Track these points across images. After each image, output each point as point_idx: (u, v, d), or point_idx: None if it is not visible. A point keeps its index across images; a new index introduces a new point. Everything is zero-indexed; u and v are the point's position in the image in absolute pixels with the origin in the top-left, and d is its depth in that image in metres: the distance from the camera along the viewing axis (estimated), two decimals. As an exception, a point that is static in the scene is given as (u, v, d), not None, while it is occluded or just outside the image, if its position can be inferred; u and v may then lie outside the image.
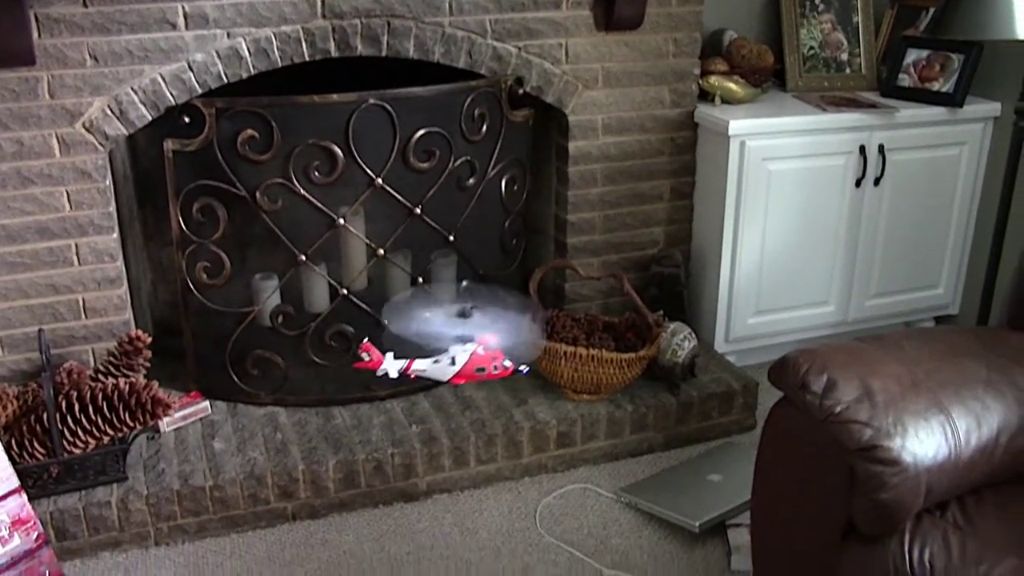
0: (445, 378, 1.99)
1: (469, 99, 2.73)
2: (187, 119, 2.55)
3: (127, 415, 2.43)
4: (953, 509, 1.82)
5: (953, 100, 3.22)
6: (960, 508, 1.83)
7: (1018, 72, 2.78)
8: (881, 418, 1.74)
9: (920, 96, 3.27)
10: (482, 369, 1.96)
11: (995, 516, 1.81)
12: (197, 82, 2.56)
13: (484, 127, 2.79)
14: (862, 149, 3.11)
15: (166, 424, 2.67)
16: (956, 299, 3.55)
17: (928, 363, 1.91)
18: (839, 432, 1.73)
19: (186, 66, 2.53)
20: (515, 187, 2.96)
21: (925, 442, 1.76)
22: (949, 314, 3.58)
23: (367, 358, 2.01)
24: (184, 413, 2.71)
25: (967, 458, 1.81)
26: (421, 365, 1.99)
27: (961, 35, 2.48)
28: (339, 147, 2.60)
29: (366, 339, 2.07)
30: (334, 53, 2.66)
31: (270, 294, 2.76)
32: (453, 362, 1.97)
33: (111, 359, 2.62)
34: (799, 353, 1.85)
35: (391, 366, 2.00)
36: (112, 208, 2.63)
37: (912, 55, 3.34)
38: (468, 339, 1.97)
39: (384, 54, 2.71)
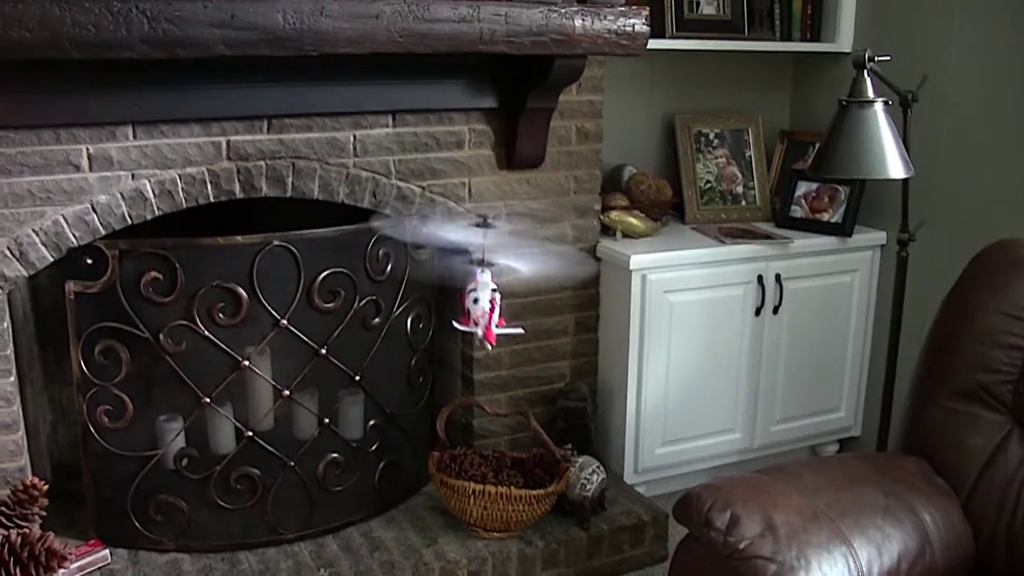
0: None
1: (373, 239, 2.82)
2: (90, 261, 2.59)
3: (18, 570, 2.39)
4: (858, 640, 1.90)
5: (842, 230, 3.43)
6: (864, 638, 1.91)
7: (897, 204, 2.98)
8: (784, 552, 1.83)
9: (812, 226, 3.47)
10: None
11: (898, 645, 1.90)
12: (100, 224, 2.58)
13: (389, 266, 2.87)
14: (760, 279, 3.28)
15: (63, 577, 2.62)
16: (858, 421, 3.70)
17: (828, 493, 2.02)
18: (744, 568, 1.82)
19: (89, 208, 2.55)
20: (421, 325, 3.04)
21: (829, 575, 1.85)
22: (852, 436, 3.73)
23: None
24: (82, 563, 2.68)
25: (870, 588, 1.91)
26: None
27: (839, 174, 2.68)
28: (243, 288, 2.66)
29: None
30: (239, 194, 2.72)
31: (174, 437, 2.77)
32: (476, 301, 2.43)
33: (3, 509, 2.57)
34: (702, 489, 1.95)
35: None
36: (9, 351, 2.62)
37: (802, 187, 3.56)
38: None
39: (289, 195, 2.78)
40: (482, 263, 2.45)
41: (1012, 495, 2.08)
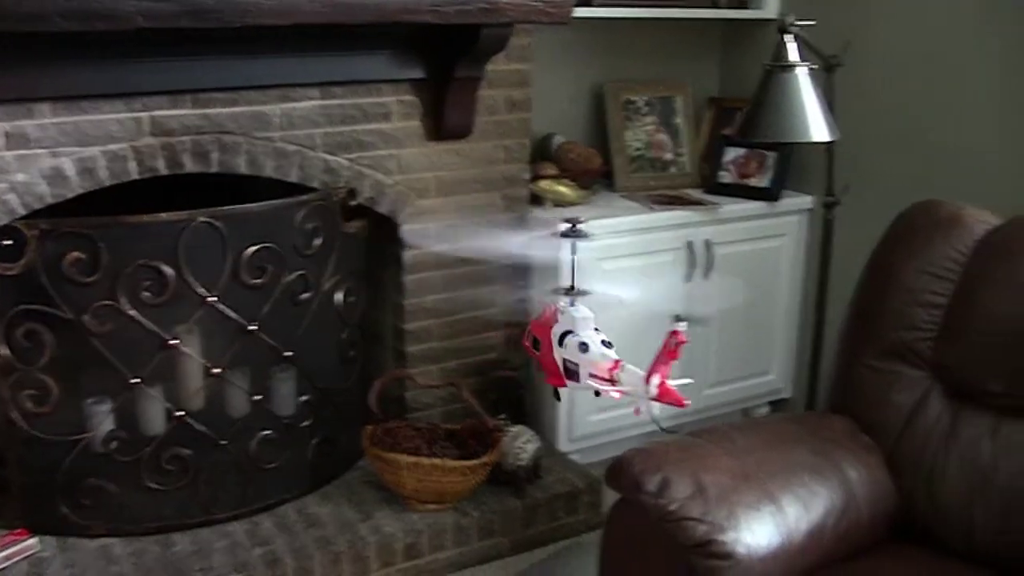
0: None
1: (301, 213, 2.82)
2: (9, 242, 2.55)
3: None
4: (787, 595, 1.97)
5: (770, 194, 3.49)
6: (794, 593, 1.97)
7: (823, 168, 3.04)
8: (715, 513, 1.88)
9: (740, 192, 3.53)
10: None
11: (825, 599, 1.97)
12: (20, 203, 2.55)
13: (317, 240, 2.88)
14: (690, 245, 3.32)
15: (-11, 566, 2.61)
16: (788, 383, 3.79)
17: (757, 454, 2.08)
18: (675, 530, 1.87)
19: (7, 187, 2.52)
20: (352, 299, 3.04)
21: (758, 533, 1.91)
22: (784, 398, 3.81)
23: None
24: (8, 552, 2.65)
25: (798, 544, 1.97)
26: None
27: (764, 137, 2.74)
28: (169, 266, 2.64)
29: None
30: (163, 171, 2.70)
31: (102, 419, 2.76)
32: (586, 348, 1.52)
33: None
34: (633, 453, 1.99)
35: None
36: (-72, 337, 2.60)
37: (731, 153, 3.62)
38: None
39: (215, 170, 2.77)
40: (572, 291, 1.62)
41: (932, 448, 2.16)
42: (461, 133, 3.09)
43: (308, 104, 2.86)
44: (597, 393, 1.51)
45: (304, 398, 2.98)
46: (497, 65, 3.06)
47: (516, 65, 3.15)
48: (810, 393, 3.25)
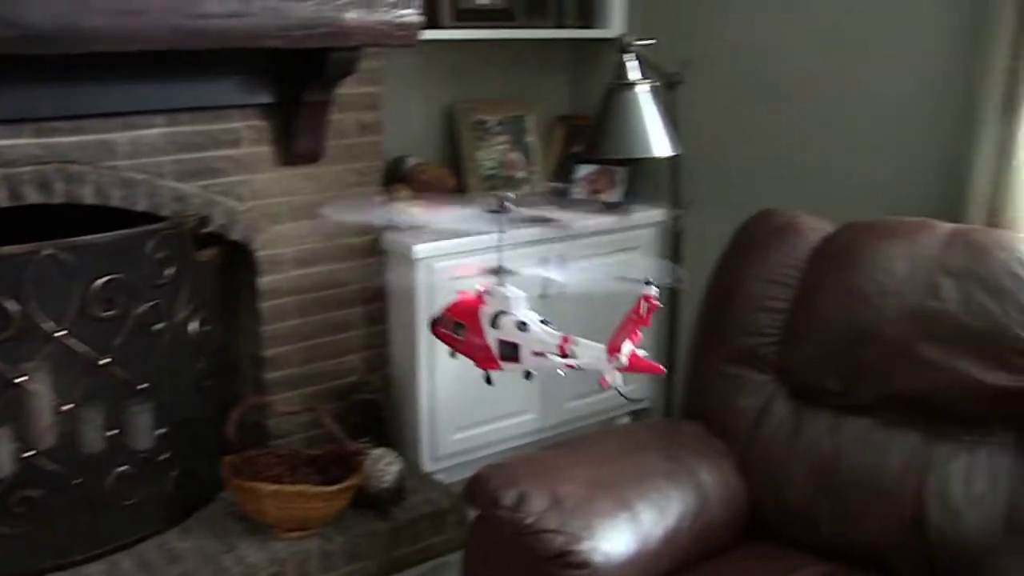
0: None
1: (152, 243, 2.79)
2: None
3: None
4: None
5: (621, 208, 3.59)
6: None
7: (671, 182, 3.15)
8: (571, 524, 1.94)
9: (593, 207, 3.62)
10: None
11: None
12: None
13: (169, 270, 2.84)
14: (545, 261, 3.38)
15: None
16: (648, 393, 3.87)
17: (612, 463, 2.15)
18: (533, 543, 1.92)
19: None
20: (207, 328, 3.01)
21: (614, 540, 1.97)
22: (644, 407, 3.89)
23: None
24: None
25: (655, 549, 2.05)
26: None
27: (608, 155, 2.82)
28: (15, 301, 2.57)
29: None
30: (5, 203, 2.64)
31: (-55, 464, 2.67)
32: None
33: None
34: (489, 469, 2.04)
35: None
36: None
37: (582, 170, 3.70)
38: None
39: (60, 201, 2.71)
40: (500, 271, 1.57)
41: (778, 449, 2.27)
42: (312, 157, 3.10)
43: (155, 131, 2.83)
44: (528, 375, 1.48)
45: (161, 431, 2.93)
46: (347, 88, 3.07)
47: (366, 88, 3.17)
48: (667, 401, 3.34)
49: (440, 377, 3.29)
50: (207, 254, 2.98)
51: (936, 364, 2.15)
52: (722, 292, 2.40)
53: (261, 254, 3.09)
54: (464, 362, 3.05)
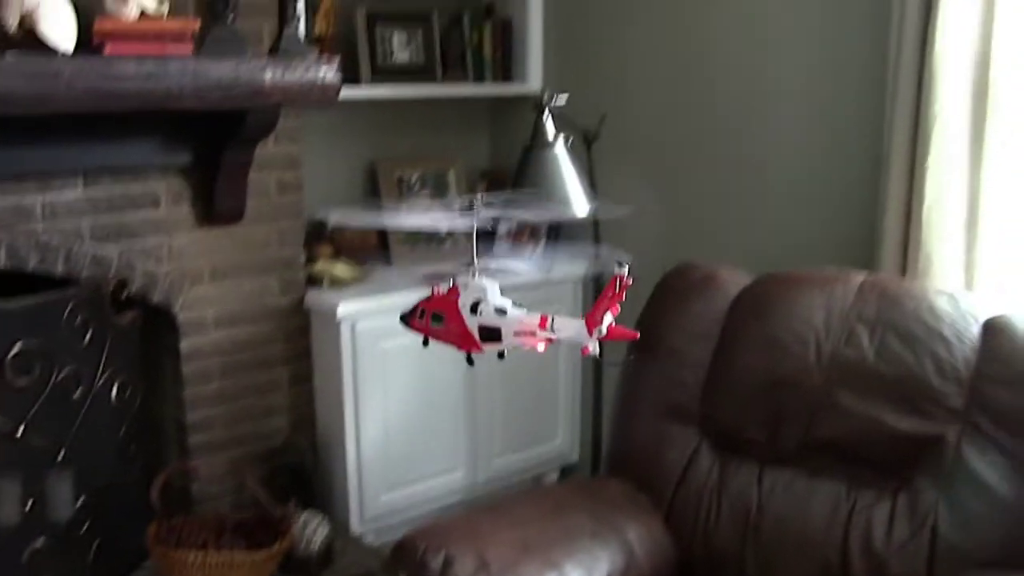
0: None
1: (69, 308, 2.74)
2: None
3: None
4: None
5: (543, 264, 3.60)
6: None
7: (592, 236, 3.18)
8: (499, 587, 1.93)
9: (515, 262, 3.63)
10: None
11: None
12: None
13: (88, 335, 2.80)
14: (469, 318, 3.39)
15: None
16: (575, 448, 3.89)
17: (539, 524, 2.15)
18: (461, 606, 1.91)
19: None
20: (128, 393, 2.96)
21: (542, 602, 1.97)
22: (572, 463, 3.91)
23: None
24: None
25: (584, 608, 2.04)
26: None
27: (528, 216, 2.82)
28: (-75, 371, 2.52)
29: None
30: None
31: None
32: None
33: None
34: (415, 533, 2.03)
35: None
36: None
37: (505, 224, 3.71)
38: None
39: (-30, 267, 2.68)
40: (472, 265, 1.75)
41: (704, 501, 2.29)
42: (233, 217, 3.08)
43: (72, 193, 2.80)
44: (501, 355, 1.64)
45: (82, 500, 2.87)
46: (267, 148, 3.08)
47: (287, 147, 3.17)
48: (595, 457, 3.35)
49: (367, 437, 3.27)
50: (127, 317, 2.94)
51: (853, 412, 2.20)
52: (644, 347, 2.42)
53: (182, 316, 3.06)
54: (391, 422, 3.05)
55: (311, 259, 3.34)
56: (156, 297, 3.00)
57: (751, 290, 2.40)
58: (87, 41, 2.58)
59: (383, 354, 3.24)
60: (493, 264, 1.73)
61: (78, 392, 2.80)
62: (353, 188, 3.75)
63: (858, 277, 2.36)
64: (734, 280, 2.44)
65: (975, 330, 2.20)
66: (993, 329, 2.20)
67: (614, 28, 3.59)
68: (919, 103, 2.53)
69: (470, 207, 1.66)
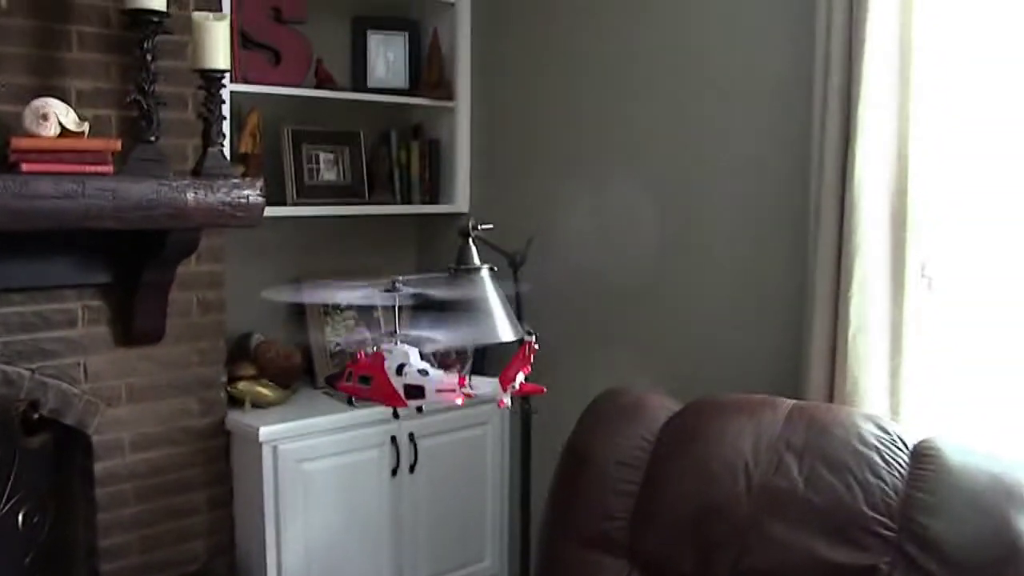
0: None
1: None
2: None
3: None
4: None
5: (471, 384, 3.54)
6: None
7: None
8: None
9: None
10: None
11: None
12: None
13: (-7, 459, 2.67)
14: (393, 439, 3.31)
15: None
16: (504, 569, 3.78)
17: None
18: None
19: None
20: (35, 519, 2.83)
21: None
22: (500, 585, 3.80)
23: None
24: None
25: None
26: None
27: (454, 342, 2.77)
28: None
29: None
30: None
31: None
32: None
33: None
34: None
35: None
36: None
37: (431, 344, 3.65)
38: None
39: None
40: (394, 335, 2.04)
41: (634, 638, 2.20)
42: (152, 338, 2.99)
43: (-18, 312, 2.70)
44: (420, 410, 2.01)
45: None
46: (189, 267, 3.00)
47: (209, 266, 3.10)
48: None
49: (289, 561, 3.13)
50: (37, 440, 2.82)
51: (785, 542, 2.14)
52: (571, 474, 2.36)
53: (97, 439, 2.94)
54: (313, 546, 2.96)
55: (233, 379, 3.24)
56: (69, 419, 2.88)
57: (680, 416, 2.36)
58: (3, 158, 2.52)
59: (305, 476, 3.13)
60: (412, 333, 2.02)
61: (-20, 520, 2.67)
62: (277, 306, 3.66)
63: (787, 404, 2.33)
64: (663, 406, 2.40)
65: (904, 456, 2.17)
66: (921, 455, 2.18)
67: (539, 148, 3.60)
68: (841, 231, 2.53)
69: (393, 287, 1.96)
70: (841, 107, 2.53)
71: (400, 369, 1.94)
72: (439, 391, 1.92)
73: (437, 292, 2.24)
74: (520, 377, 1.85)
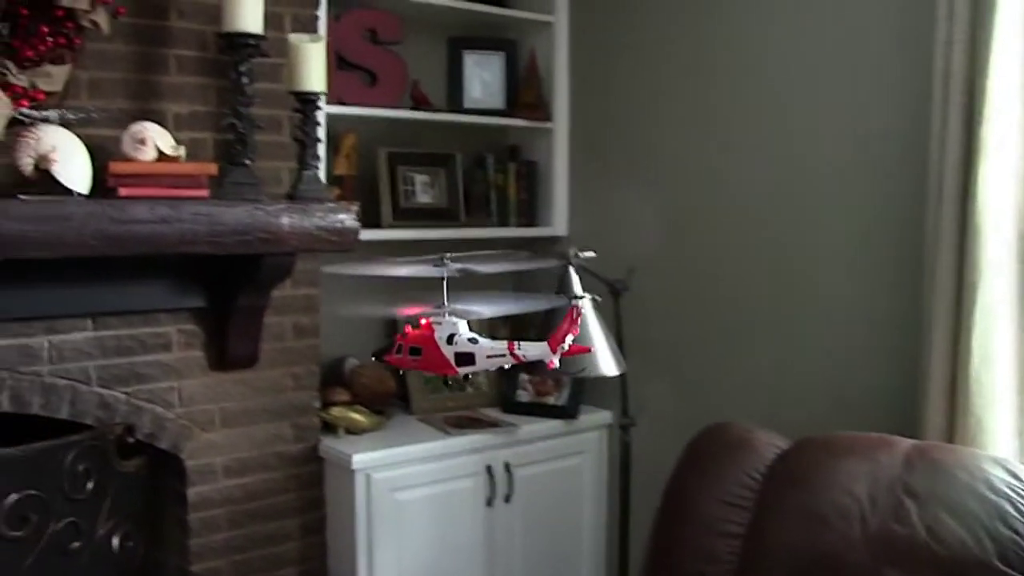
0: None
1: (72, 455, 2.60)
2: None
3: None
4: None
5: (568, 413, 3.44)
6: None
7: (618, 385, 3.00)
8: None
9: (538, 410, 3.47)
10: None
11: None
12: None
13: (90, 483, 2.64)
14: (489, 469, 3.22)
15: None
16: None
17: None
18: None
19: None
20: (130, 543, 2.79)
21: None
22: (593, 619, 3.67)
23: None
24: None
25: None
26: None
27: (554, 374, 2.68)
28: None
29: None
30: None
31: None
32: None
33: None
34: None
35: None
36: None
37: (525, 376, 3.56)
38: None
39: (-27, 411, 2.54)
40: (442, 307, 2.01)
41: None
42: (247, 362, 2.94)
43: (80, 335, 2.68)
44: (466, 377, 2.04)
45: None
46: (284, 291, 2.96)
47: (304, 290, 3.06)
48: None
49: (381, 590, 3.06)
50: (132, 464, 2.78)
51: (904, 594, 1.98)
52: (673, 514, 2.23)
53: (190, 463, 2.90)
54: (407, 572, 2.86)
55: (326, 405, 3.17)
56: (164, 443, 2.85)
57: (788, 455, 2.21)
58: (103, 182, 2.50)
59: (399, 505, 3.06)
60: (460, 306, 2.00)
61: (76, 544, 2.64)
62: (372, 330, 3.60)
63: (903, 444, 2.17)
64: (770, 443, 2.26)
65: (1040, 508, 1.99)
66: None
67: (640, 171, 3.48)
68: (962, 255, 2.37)
69: (442, 261, 1.96)
70: (963, 125, 2.37)
71: (451, 339, 1.95)
72: (489, 357, 1.93)
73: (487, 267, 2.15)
74: (569, 339, 1.85)
